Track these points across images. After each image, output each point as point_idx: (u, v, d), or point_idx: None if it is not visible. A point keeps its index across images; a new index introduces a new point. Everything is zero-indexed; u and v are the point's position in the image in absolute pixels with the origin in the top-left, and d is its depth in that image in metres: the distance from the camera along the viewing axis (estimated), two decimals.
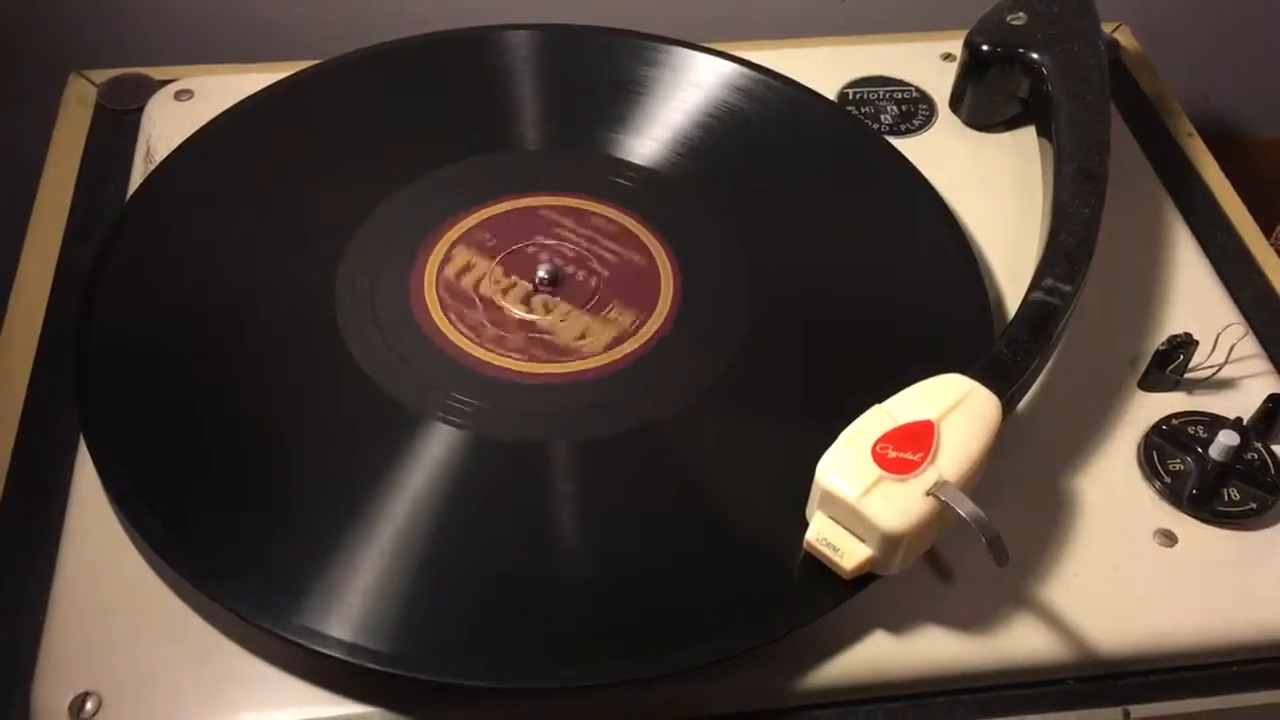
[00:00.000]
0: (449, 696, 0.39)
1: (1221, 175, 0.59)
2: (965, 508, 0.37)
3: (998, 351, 0.42)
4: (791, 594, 0.39)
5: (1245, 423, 0.45)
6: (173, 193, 0.50)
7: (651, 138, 0.54)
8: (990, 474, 0.41)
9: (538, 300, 0.48)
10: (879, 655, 0.40)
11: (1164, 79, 0.64)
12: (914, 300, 0.49)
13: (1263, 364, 0.49)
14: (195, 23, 0.72)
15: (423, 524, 0.40)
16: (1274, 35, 0.87)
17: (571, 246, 0.50)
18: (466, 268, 0.49)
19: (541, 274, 0.48)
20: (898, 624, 0.41)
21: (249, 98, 0.54)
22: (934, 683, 0.41)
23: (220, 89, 0.56)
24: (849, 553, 0.38)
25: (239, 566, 0.39)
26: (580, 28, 0.58)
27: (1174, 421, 0.47)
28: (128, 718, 0.38)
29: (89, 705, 0.38)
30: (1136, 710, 0.41)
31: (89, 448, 0.42)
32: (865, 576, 0.39)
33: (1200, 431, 0.46)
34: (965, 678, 0.41)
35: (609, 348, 0.46)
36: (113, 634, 0.39)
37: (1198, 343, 0.47)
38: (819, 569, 0.39)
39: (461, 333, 0.46)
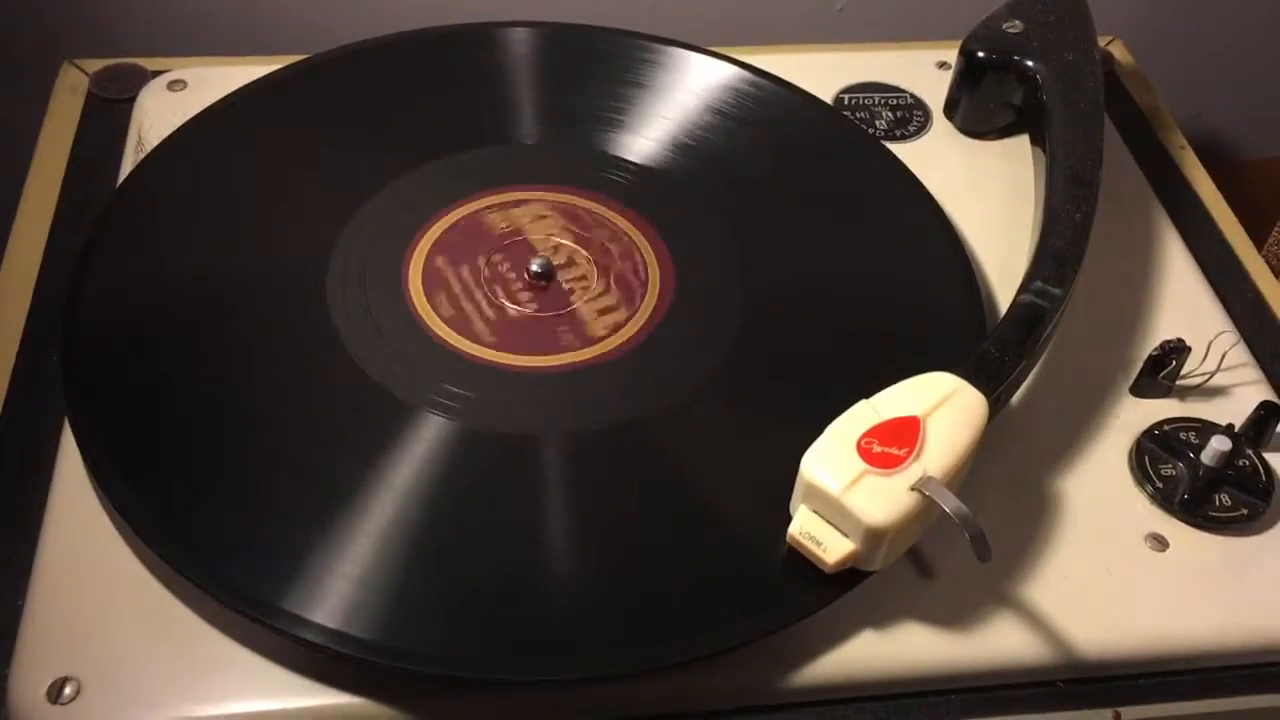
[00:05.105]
0: (433, 687, 0.38)
1: (1213, 188, 0.59)
2: (949, 503, 0.36)
3: (985, 351, 0.42)
4: (778, 592, 0.39)
5: (1237, 429, 0.45)
6: (163, 181, 0.50)
7: (648, 136, 0.54)
8: (983, 477, 0.40)
9: (529, 293, 0.48)
10: (867, 654, 0.40)
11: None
12: (905, 301, 0.49)
13: (1254, 372, 0.49)
14: (189, 14, 0.72)
15: (410, 514, 0.40)
16: (1264, 56, 0.88)
17: (564, 241, 0.50)
18: (458, 260, 0.48)
19: (533, 267, 0.48)
20: (886, 623, 0.40)
21: (241, 89, 0.54)
22: (922, 682, 0.40)
23: (213, 80, 0.56)
24: (832, 547, 0.38)
25: (223, 552, 0.39)
26: (580, 27, 0.58)
27: (1166, 427, 0.46)
28: (107, 704, 0.37)
29: (68, 690, 0.37)
30: (1127, 712, 0.40)
31: (74, 432, 0.42)
32: (852, 574, 0.39)
33: (1192, 437, 0.46)
34: (955, 677, 0.40)
35: (600, 341, 0.46)
36: (93, 619, 0.39)
37: (1190, 349, 0.47)
38: (806, 567, 0.39)
39: (452, 324, 0.46)
